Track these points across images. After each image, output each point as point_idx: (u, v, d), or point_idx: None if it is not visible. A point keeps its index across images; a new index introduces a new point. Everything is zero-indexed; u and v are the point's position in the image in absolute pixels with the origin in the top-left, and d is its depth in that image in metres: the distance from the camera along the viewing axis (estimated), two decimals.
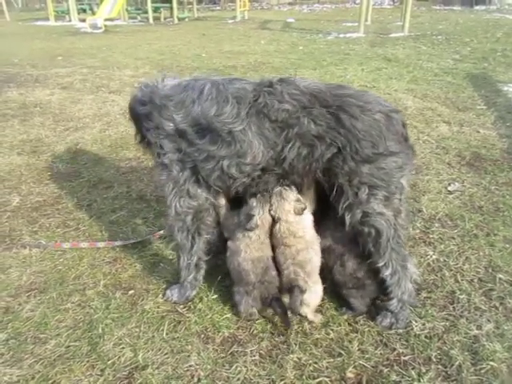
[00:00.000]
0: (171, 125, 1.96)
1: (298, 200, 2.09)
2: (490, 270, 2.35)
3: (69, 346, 1.93)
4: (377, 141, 1.82)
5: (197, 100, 1.92)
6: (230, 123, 1.87)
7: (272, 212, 2.10)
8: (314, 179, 2.00)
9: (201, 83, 1.98)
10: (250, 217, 2.09)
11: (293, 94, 1.88)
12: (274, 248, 2.14)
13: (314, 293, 1.98)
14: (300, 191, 2.14)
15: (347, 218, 1.92)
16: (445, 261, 2.45)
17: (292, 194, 2.09)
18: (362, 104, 1.86)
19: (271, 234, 2.14)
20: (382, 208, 1.88)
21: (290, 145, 1.87)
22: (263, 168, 1.96)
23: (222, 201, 2.23)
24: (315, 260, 2.07)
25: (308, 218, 2.17)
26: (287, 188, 2.08)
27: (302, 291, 1.94)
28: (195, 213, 2.07)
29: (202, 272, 2.20)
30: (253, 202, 2.12)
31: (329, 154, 1.87)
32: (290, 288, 1.96)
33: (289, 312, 1.98)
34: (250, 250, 2.05)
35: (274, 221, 2.12)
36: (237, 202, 2.24)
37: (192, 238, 2.11)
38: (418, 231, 2.72)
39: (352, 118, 1.82)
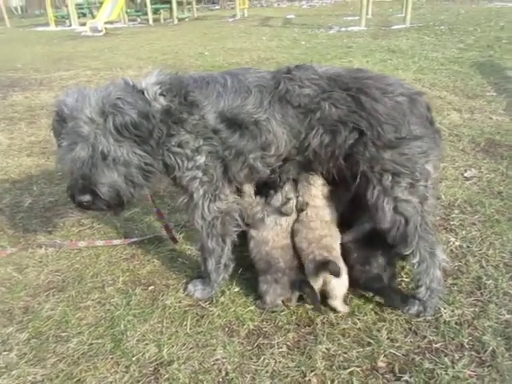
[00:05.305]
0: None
1: (324, 184, 2.06)
2: None
3: (92, 344, 1.90)
4: (399, 124, 1.77)
5: (223, 93, 1.87)
6: (255, 113, 1.83)
7: (299, 198, 2.07)
8: (335, 167, 1.95)
9: (220, 76, 1.94)
10: (286, 201, 2.06)
11: (312, 79, 1.84)
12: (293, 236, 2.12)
13: (339, 281, 1.93)
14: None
15: (375, 207, 1.87)
16: (468, 247, 2.40)
17: (319, 179, 2.07)
18: (384, 86, 1.82)
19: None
20: (407, 195, 1.83)
21: (313, 132, 1.83)
22: (285, 158, 1.92)
23: (246, 188, 2.18)
24: (338, 248, 2.04)
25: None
26: (313, 173, 2.04)
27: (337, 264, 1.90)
28: (224, 215, 2.01)
29: (230, 270, 2.15)
30: (287, 187, 2.09)
31: (351, 140, 1.83)
32: (323, 263, 1.89)
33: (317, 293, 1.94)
34: (278, 239, 2.02)
35: (300, 208, 2.10)
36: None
37: (223, 242, 2.05)
38: (438, 218, 2.67)
39: (373, 101, 1.78)
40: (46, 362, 1.83)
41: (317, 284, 1.91)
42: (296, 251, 2.06)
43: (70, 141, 1.73)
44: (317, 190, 2.07)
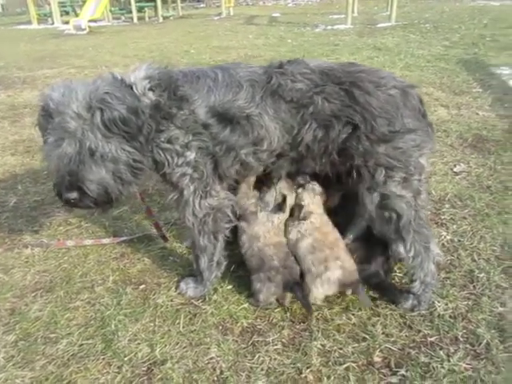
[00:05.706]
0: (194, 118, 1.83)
1: (323, 192, 2.14)
2: (507, 248, 2.31)
3: (82, 345, 1.86)
4: (393, 118, 1.76)
5: (214, 88, 1.83)
6: (247, 108, 1.80)
7: (305, 208, 2.07)
8: (329, 162, 1.93)
9: (210, 70, 1.91)
10: (283, 198, 2.04)
11: (304, 74, 1.82)
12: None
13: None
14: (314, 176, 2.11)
15: (366, 202, 1.86)
16: (459, 241, 2.41)
17: (319, 187, 2.12)
18: (376, 79, 1.81)
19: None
20: (400, 190, 1.82)
21: (306, 126, 1.80)
22: (278, 154, 1.90)
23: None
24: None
25: None
26: (315, 183, 2.09)
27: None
28: (216, 212, 1.97)
29: (223, 267, 2.11)
30: (281, 183, 2.08)
31: (344, 134, 1.81)
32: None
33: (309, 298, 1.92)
34: (269, 235, 2.00)
35: (303, 217, 2.09)
36: None
37: (215, 239, 2.01)
38: (429, 213, 2.67)
39: (366, 95, 1.76)
40: (34, 364, 1.78)
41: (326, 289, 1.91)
42: (293, 250, 2.04)
43: (56, 136, 1.68)
44: (321, 199, 2.12)
